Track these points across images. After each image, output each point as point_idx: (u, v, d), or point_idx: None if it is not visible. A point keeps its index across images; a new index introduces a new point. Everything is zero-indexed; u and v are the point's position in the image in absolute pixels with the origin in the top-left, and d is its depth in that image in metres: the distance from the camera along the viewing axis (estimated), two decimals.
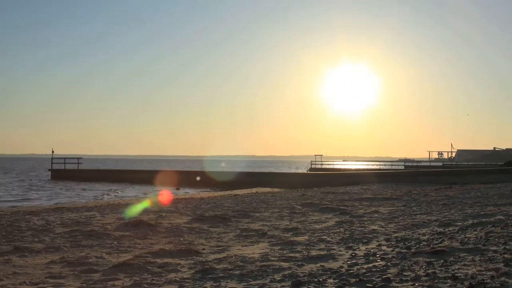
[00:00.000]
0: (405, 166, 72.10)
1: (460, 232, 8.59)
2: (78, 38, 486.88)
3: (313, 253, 7.50)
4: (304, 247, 8.20)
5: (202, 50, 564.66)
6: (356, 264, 6.53)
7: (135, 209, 15.97)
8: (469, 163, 77.61)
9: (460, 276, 5.37)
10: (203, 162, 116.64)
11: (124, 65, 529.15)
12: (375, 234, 9.31)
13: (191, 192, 29.77)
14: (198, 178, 40.46)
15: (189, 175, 43.04)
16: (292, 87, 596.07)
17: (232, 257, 7.43)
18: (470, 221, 9.99)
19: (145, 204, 18.97)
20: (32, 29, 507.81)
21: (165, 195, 26.80)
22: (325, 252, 7.52)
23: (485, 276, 5.29)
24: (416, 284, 5.23)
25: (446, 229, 9.16)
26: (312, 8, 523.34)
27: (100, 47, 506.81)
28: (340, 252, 7.51)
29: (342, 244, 8.29)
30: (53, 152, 48.29)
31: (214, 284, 5.86)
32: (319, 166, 63.19)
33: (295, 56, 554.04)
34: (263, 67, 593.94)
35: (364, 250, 7.59)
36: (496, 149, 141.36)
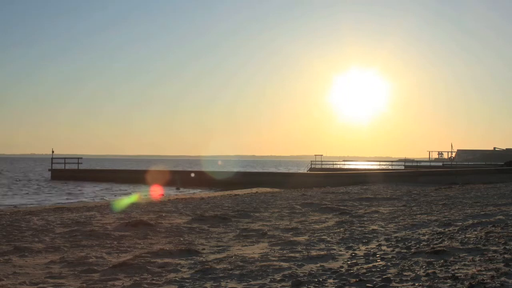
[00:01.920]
0: (405, 166, 72.07)
1: (460, 232, 8.59)
2: (73, 34, 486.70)
3: (313, 253, 7.50)
4: (304, 247, 8.20)
5: (203, 49, 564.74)
6: (356, 264, 6.54)
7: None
8: (469, 163, 77.61)
9: (460, 276, 5.38)
10: (201, 162, 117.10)
11: (121, 63, 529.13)
12: (375, 234, 9.31)
13: (191, 192, 29.78)
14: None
15: (188, 175, 43.42)
16: (293, 88, 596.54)
17: (232, 257, 7.43)
18: (470, 221, 9.99)
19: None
20: (27, 26, 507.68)
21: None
22: (325, 252, 7.52)
23: (485, 276, 5.29)
24: (416, 284, 5.23)
25: (446, 229, 9.16)
26: (319, 10, 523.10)
27: (95, 44, 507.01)
28: (340, 252, 7.51)
29: (342, 244, 8.29)
30: (53, 152, 48.32)
31: (214, 284, 5.86)
32: (319, 166, 63.23)
33: (297, 57, 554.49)
34: (264, 67, 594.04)
35: (364, 250, 7.59)
36: (496, 149, 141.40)
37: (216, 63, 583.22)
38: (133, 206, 17.16)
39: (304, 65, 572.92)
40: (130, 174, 47.14)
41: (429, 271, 5.72)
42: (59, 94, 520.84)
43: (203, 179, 40.18)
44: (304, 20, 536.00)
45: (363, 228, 10.20)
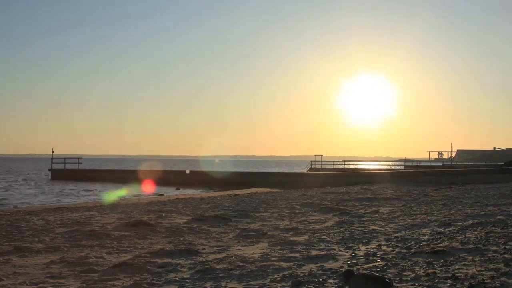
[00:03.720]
0: (405, 166, 72.07)
1: (460, 232, 8.60)
2: (78, 38, 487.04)
3: (313, 253, 7.51)
4: (304, 247, 8.20)
5: (210, 52, 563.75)
6: (356, 264, 6.54)
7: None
8: (469, 163, 77.62)
9: (460, 276, 5.38)
10: (200, 162, 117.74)
11: (127, 66, 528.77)
12: (375, 234, 9.31)
13: (190, 192, 29.77)
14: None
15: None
16: (293, 89, 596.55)
17: (232, 257, 7.43)
18: (470, 221, 9.99)
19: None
20: (27, 25, 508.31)
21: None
22: (325, 252, 7.52)
23: (485, 276, 5.30)
24: (416, 284, 5.24)
25: (446, 229, 9.17)
26: (328, 13, 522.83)
27: (102, 46, 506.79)
28: (340, 252, 7.51)
29: (342, 244, 8.29)
30: (53, 152, 48.35)
31: (214, 284, 5.87)
32: (319, 166, 63.24)
33: (302, 59, 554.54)
34: (264, 68, 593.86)
35: (364, 250, 7.59)
36: (496, 149, 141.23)
37: (222, 66, 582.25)
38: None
39: (308, 67, 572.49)
40: (129, 174, 47.14)
41: (429, 271, 5.73)
42: (60, 94, 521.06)
43: (202, 179, 40.19)
44: (313, 23, 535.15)
45: (363, 228, 10.20)
